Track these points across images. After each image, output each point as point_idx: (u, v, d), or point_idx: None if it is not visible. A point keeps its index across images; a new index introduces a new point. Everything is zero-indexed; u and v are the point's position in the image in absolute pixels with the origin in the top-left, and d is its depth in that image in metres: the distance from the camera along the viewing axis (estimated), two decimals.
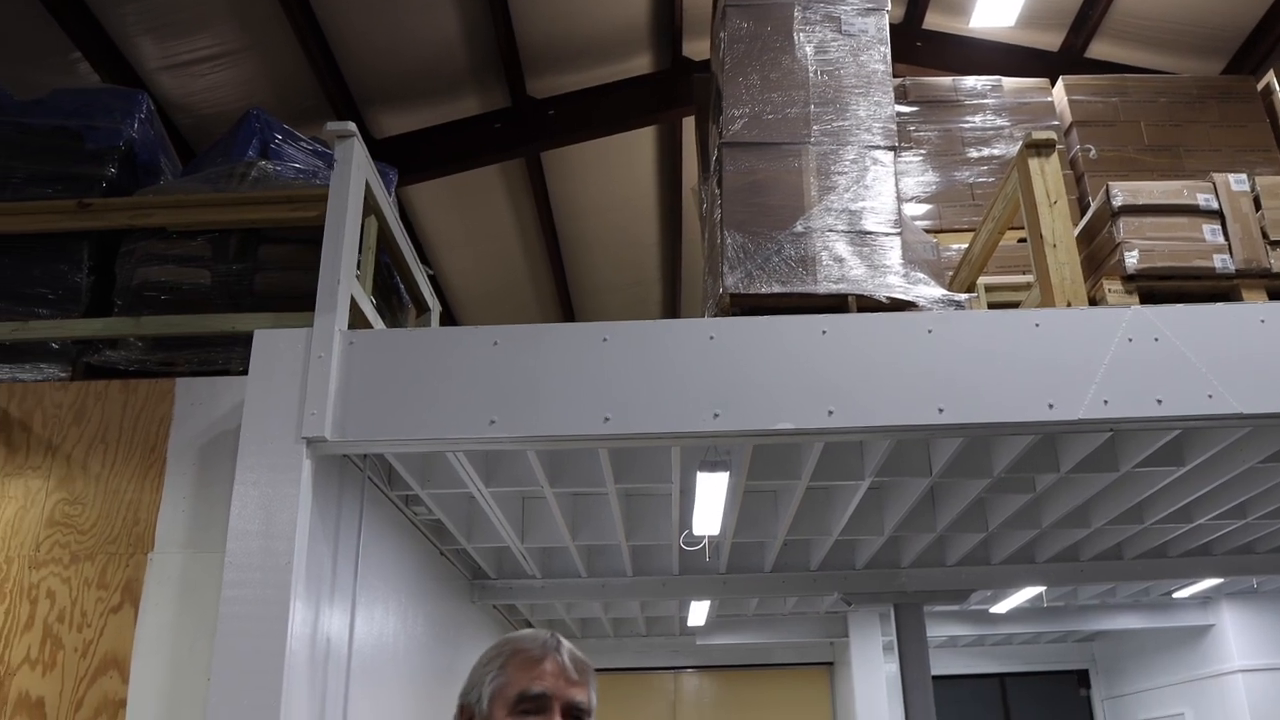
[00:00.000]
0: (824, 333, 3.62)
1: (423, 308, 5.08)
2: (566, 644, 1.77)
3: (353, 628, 4.15)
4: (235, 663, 3.21)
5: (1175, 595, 10.12)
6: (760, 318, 3.74)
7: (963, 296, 4.30)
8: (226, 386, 3.75)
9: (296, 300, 3.85)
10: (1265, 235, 4.29)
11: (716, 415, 3.49)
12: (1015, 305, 4.69)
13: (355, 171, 3.89)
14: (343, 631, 4.07)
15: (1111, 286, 4.25)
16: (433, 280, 5.42)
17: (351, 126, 3.92)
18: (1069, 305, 3.96)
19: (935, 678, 7.72)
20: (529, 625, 9.11)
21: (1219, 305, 3.78)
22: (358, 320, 3.87)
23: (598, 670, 1.80)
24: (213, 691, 3.19)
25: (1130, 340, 3.58)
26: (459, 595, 6.98)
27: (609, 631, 11.07)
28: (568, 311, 10.72)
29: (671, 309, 11.17)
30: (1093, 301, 4.24)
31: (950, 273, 5.31)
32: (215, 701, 3.17)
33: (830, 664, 12.65)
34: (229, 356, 3.99)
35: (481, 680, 1.72)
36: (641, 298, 11.07)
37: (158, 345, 4.06)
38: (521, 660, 1.72)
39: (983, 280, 5.13)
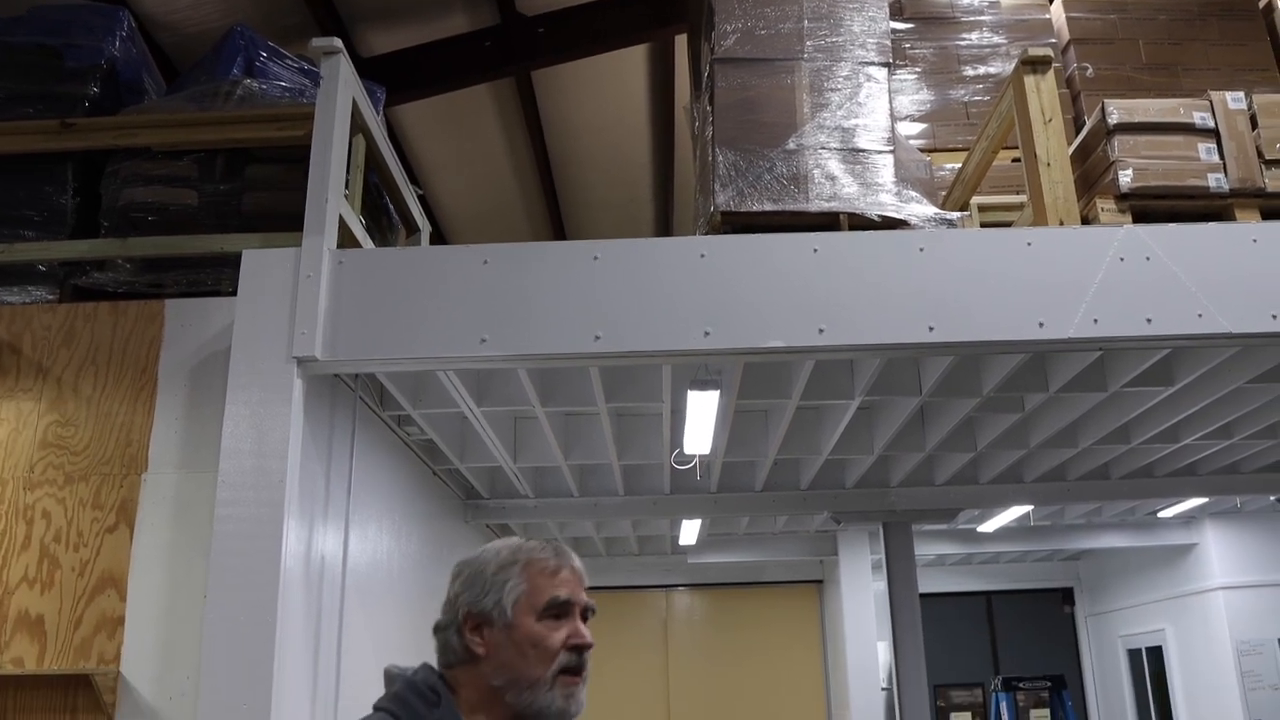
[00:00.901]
0: (815, 251, 3.61)
1: (412, 228, 5.05)
2: (570, 551, 1.86)
3: (346, 546, 4.20)
4: (231, 580, 3.25)
5: (1160, 515, 10.24)
6: (751, 236, 3.73)
7: (955, 215, 4.28)
8: (216, 307, 3.75)
9: (285, 220, 3.82)
10: (1260, 154, 4.26)
11: (707, 333, 3.50)
12: (1008, 225, 4.67)
13: (342, 89, 3.83)
14: (337, 550, 4.11)
15: (1105, 205, 4.23)
16: (422, 201, 5.38)
17: (337, 43, 3.85)
18: (1061, 224, 3.94)
19: (923, 595, 7.85)
20: None
21: (1211, 225, 3.77)
22: (347, 240, 3.85)
23: (590, 589, 1.86)
24: (209, 608, 3.24)
25: (1122, 259, 3.58)
26: (452, 515, 7.05)
27: (601, 550, 11.22)
28: (559, 232, 10.64)
29: (664, 227, 11.10)
30: (1085, 220, 4.22)
31: (944, 192, 5.28)
32: (212, 618, 3.22)
33: (820, 582, 12.85)
34: (218, 277, 3.98)
35: (498, 587, 1.76)
36: (633, 216, 10.98)
37: (146, 267, 4.04)
38: (540, 568, 1.78)
39: (976, 199, 5.10)
